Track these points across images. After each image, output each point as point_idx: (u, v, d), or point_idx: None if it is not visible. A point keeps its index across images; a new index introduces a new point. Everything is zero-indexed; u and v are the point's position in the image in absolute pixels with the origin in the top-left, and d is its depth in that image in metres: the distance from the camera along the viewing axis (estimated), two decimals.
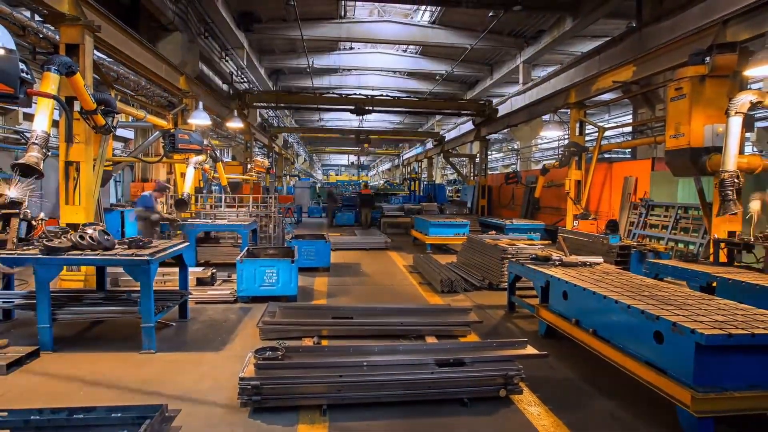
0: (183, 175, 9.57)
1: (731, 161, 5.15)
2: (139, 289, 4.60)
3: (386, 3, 11.45)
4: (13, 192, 4.54)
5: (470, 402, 3.54)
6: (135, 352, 4.49)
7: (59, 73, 4.77)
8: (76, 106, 5.71)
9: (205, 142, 9.69)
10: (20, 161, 4.40)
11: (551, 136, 18.37)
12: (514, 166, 26.44)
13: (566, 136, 13.70)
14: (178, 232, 8.43)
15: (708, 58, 5.99)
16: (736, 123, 5.17)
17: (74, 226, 5.33)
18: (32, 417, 2.85)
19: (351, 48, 18.69)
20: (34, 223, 4.93)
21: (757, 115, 12.71)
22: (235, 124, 13.18)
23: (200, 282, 6.65)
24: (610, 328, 3.88)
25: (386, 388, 3.51)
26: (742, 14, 5.97)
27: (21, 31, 5.88)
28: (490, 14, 13.25)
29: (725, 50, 5.91)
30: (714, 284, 4.65)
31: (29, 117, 9.20)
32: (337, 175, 57.18)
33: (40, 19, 6.14)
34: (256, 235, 9.86)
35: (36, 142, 4.44)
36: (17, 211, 4.63)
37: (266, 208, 10.26)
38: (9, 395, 3.58)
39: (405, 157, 37.60)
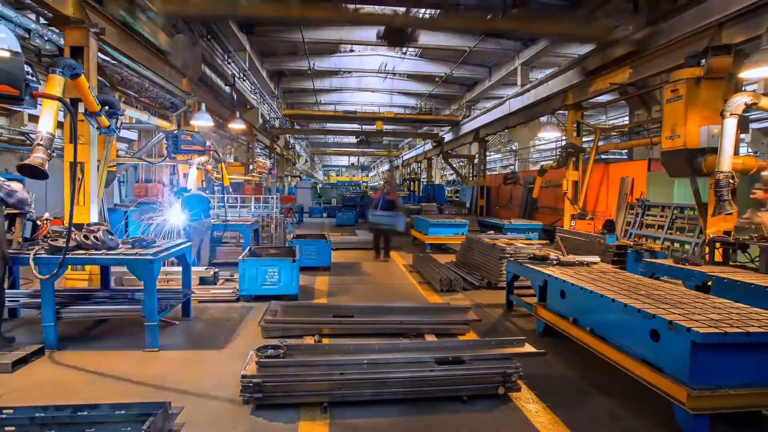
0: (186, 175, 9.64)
1: (726, 162, 5.20)
2: (142, 288, 4.67)
3: (386, 6, 11.57)
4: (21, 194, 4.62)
5: (469, 399, 3.59)
6: (139, 350, 4.54)
7: (64, 75, 4.82)
8: (81, 108, 5.77)
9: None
10: (25, 162, 4.45)
11: (549, 137, 18.43)
12: (512, 167, 26.49)
13: (564, 137, 13.77)
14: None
15: (703, 61, 6.07)
16: (731, 124, 5.23)
17: (79, 226, 5.38)
18: (37, 414, 2.86)
19: (351, 50, 18.75)
20: (38, 223, 5.00)
21: (752, 117, 12.78)
22: (237, 125, 13.36)
23: (203, 281, 6.70)
24: (607, 326, 3.92)
25: (386, 386, 3.55)
26: (737, 17, 6.02)
27: (26, 34, 5.94)
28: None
29: (720, 53, 5.99)
30: (709, 283, 4.70)
31: (34, 118, 9.23)
32: (337, 175, 57.19)
33: (45, 22, 6.20)
34: (258, 234, 9.92)
35: (41, 143, 4.48)
36: (23, 211, 4.69)
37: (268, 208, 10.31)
38: (14, 392, 3.63)
39: (405, 157, 37.64)
